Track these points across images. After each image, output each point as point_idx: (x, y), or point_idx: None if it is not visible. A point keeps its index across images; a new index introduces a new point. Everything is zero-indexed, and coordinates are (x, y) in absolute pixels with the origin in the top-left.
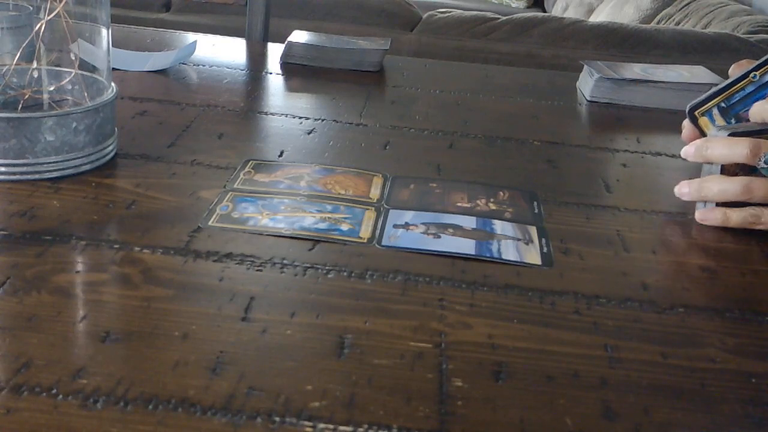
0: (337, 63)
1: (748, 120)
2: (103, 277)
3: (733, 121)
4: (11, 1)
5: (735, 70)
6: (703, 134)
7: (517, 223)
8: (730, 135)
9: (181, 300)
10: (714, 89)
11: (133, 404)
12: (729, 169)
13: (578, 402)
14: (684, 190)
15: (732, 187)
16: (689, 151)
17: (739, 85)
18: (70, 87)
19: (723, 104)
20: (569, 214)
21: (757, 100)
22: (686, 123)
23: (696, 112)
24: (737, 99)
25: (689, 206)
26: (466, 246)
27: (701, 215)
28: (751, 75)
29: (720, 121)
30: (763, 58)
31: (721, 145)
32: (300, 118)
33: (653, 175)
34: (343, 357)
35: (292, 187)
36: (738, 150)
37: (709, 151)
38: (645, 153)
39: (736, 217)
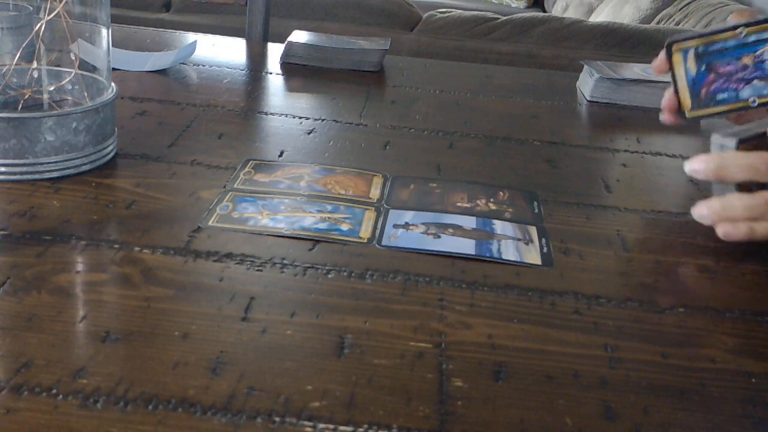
0: (337, 63)
1: (719, 72)
2: (103, 277)
3: (704, 68)
4: (11, 1)
5: (734, 18)
6: (672, 70)
7: (517, 223)
8: (739, 141)
9: (181, 300)
10: (701, 31)
11: (133, 404)
12: (744, 183)
13: (578, 402)
14: (704, 212)
15: (756, 202)
16: (699, 169)
17: (724, 35)
18: (70, 87)
19: (701, 48)
20: (569, 214)
21: (731, 56)
22: (661, 54)
23: (673, 47)
24: (716, 48)
25: (689, 206)
26: (466, 246)
27: (724, 231)
28: (739, 30)
29: (692, 64)
30: (757, 19)
31: (735, 164)
32: (300, 118)
33: (653, 175)
34: (343, 357)
35: (292, 187)
36: (753, 164)
37: (724, 171)
38: (645, 153)
39: (762, 229)
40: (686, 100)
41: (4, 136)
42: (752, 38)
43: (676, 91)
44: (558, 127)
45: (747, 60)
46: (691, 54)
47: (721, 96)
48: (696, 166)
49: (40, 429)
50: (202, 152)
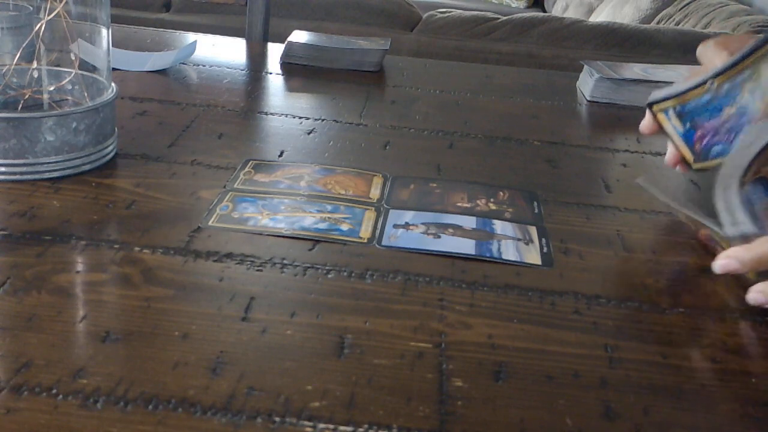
0: (337, 63)
1: (705, 127)
2: (103, 277)
3: (688, 125)
4: (11, 1)
5: (703, 50)
6: (662, 128)
7: (517, 223)
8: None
9: (181, 300)
10: (674, 89)
11: (133, 404)
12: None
13: (578, 402)
14: (759, 299)
15: None
16: (758, 299)
17: (695, 91)
18: (70, 87)
19: (678, 108)
20: (569, 214)
21: (712, 111)
22: (647, 115)
23: (654, 108)
24: (692, 106)
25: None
26: (466, 246)
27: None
28: (708, 82)
29: (677, 122)
30: (723, 66)
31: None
32: (300, 118)
33: (653, 175)
34: (343, 357)
35: (292, 187)
36: None
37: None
38: (645, 153)
39: None
40: (687, 154)
41: (4, 136)
42: (725, 87)
43: (675, 146)
44: (558, 127)
45: (729, 110)
46: (672, 114)
47: (715, 149)
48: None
49: (40, 429)
50: (202, 152)
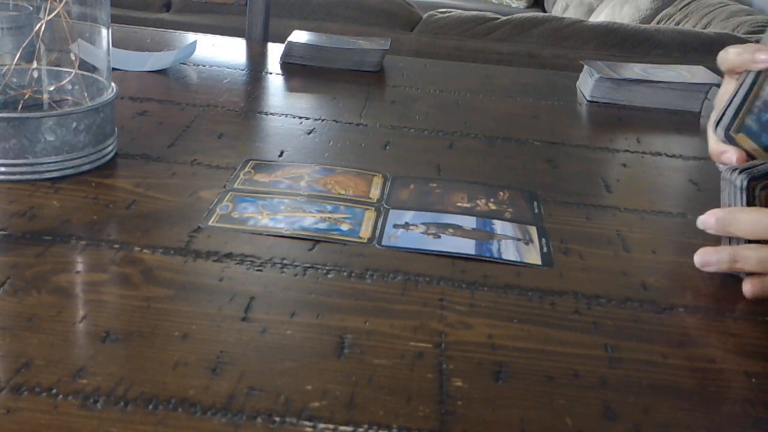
0: (337, 63)
1: None
2: (103, 277)
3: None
4: (11, 1)
5: (731, 55)
6: (748, 154)
7: (517, 223)
8: (751, 178)
9: (181, 300)
10: (733, 103)
11: (133, 404)
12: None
13: (578, 402)
14: (711, 259)
15: None
16: (709, 222)
17: (754, 90)
18: (70, 87)
19: (751, 117)
20: (569, 214)
21: None
22: (711, 135)
23: (731, 132)
24: (759, 107)
25: (689, 206)
26: (466, 246)
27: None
28: (762, 75)
29: (757, 136)
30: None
31: (746, 221)
32: (300, 118)
33: (653, 175)
34: (343, 357)
35: (292, 187)
36: (760, 219)
37: (733, 226)
38: (645, 153)
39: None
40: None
41: (4, 136)
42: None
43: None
44: (558, 127)
45: None
46: (752, 125)
47: None
48: (706, 218)
49: (40, 429)
50: (202, 152)
